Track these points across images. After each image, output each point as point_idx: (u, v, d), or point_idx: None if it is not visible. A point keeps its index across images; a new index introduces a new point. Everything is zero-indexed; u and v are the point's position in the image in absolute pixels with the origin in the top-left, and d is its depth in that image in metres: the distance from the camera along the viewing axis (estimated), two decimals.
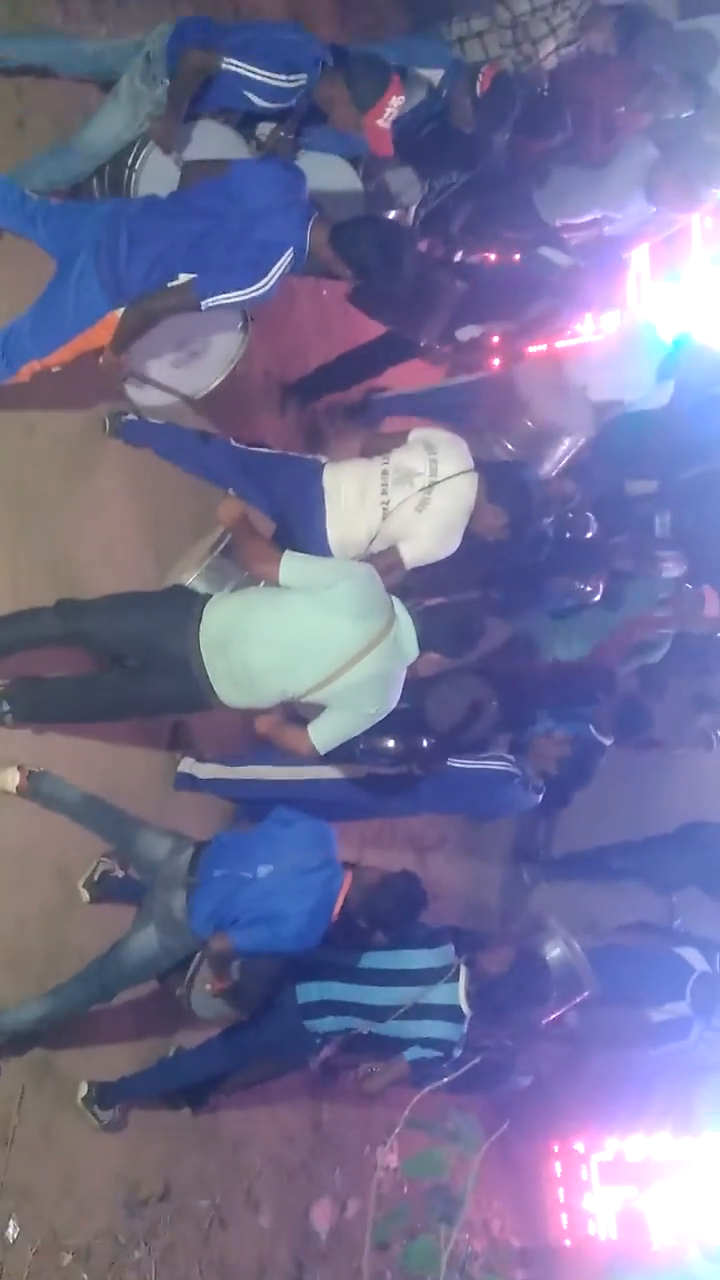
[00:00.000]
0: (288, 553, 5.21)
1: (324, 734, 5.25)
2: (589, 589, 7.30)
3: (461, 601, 6.21)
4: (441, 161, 6.64)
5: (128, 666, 5.35)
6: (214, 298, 5.13)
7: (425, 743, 6.33)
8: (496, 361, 8.27)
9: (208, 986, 5.26)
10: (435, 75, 6.43)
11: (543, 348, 8.13)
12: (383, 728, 5.99)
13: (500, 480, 6.06)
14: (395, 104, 5.65)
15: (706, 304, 8.99)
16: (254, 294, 5.15)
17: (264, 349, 6.59)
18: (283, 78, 5.48)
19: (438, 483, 5.90)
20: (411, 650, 5.26)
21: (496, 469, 6.18)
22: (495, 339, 7.92)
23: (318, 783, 6.30)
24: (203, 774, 6.38)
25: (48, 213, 5.13)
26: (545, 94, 6.98)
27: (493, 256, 7.72)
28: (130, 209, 5.24)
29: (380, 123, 5.65)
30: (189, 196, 5.30)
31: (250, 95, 5.55)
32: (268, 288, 5.15)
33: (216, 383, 5.97)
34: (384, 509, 5.88)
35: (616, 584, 7.88)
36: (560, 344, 8.04)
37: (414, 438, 6.07)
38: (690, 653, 8.57)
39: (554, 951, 6.67)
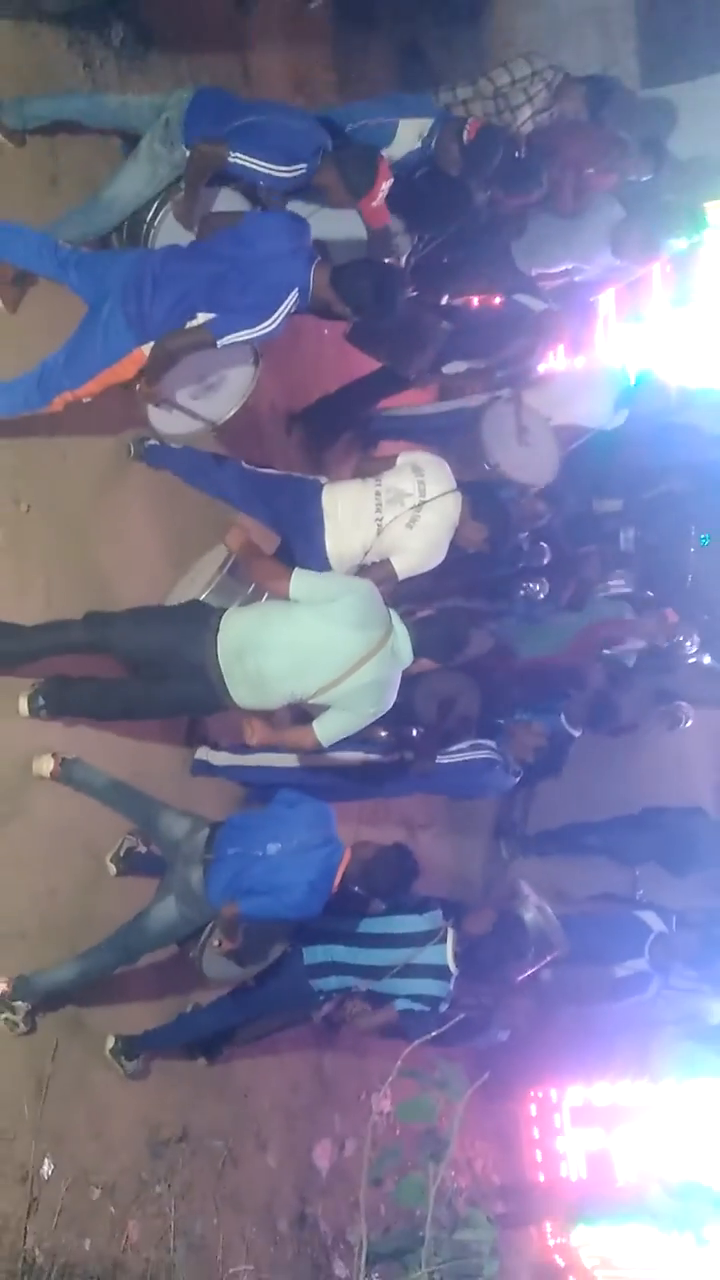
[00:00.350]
0: (296, 570, 5.24)
1: (328, 730, 5.27)
2: (536, 588, 7.27)
3: (449, 612, 6.20)
4: (429, 216, 6.64)
5: (149, 673, 5.35)
6: (228, 336, 5.13)
7: (414, 732, 6.34)
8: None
9: (216, 943, 5.26)
10: (424, 124, 6.40)
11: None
12: (377, 720, 6.06)
13: (481, 499, 6.08)
14: (386, 186, 5.70)
15: (665, 343, 9.01)
16: (263, 331, 5.16)
17: (271, 382, 6.59)
18: (284, 169, 5.48)
19: (426, 502, 5.92)
20: (407, 657, 5.29)
21: (477, 489, 6.19)
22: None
23: (319, 769, 6.30)
24: (217, 761, 6.38)
25: (79, 261, 5.14)
26: (523, 155, 6.99)
27: (475, 300, 7.71)
28: (153, 258, 5.25)
29: (374, 204, 5.73)
30: (206, 244, 5.32)
31: (259, 181, 5.59)
32: (275, 325, 5.16)
33: (232, 413, 5.98)
34: (378, 525, 5.90)
35: (582, 590, 7.91)
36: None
37: (402, 461, 6.08)
38: (653, 653, 8.57)
39: (527, 915, 6.67)
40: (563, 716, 7.37)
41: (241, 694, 5.16)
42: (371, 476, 6.06)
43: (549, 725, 7.21)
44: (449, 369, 7.52)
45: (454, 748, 6.70)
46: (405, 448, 6.56)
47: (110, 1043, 5.64)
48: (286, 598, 5.20)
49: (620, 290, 8.50)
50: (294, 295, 5.14)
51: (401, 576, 5.98)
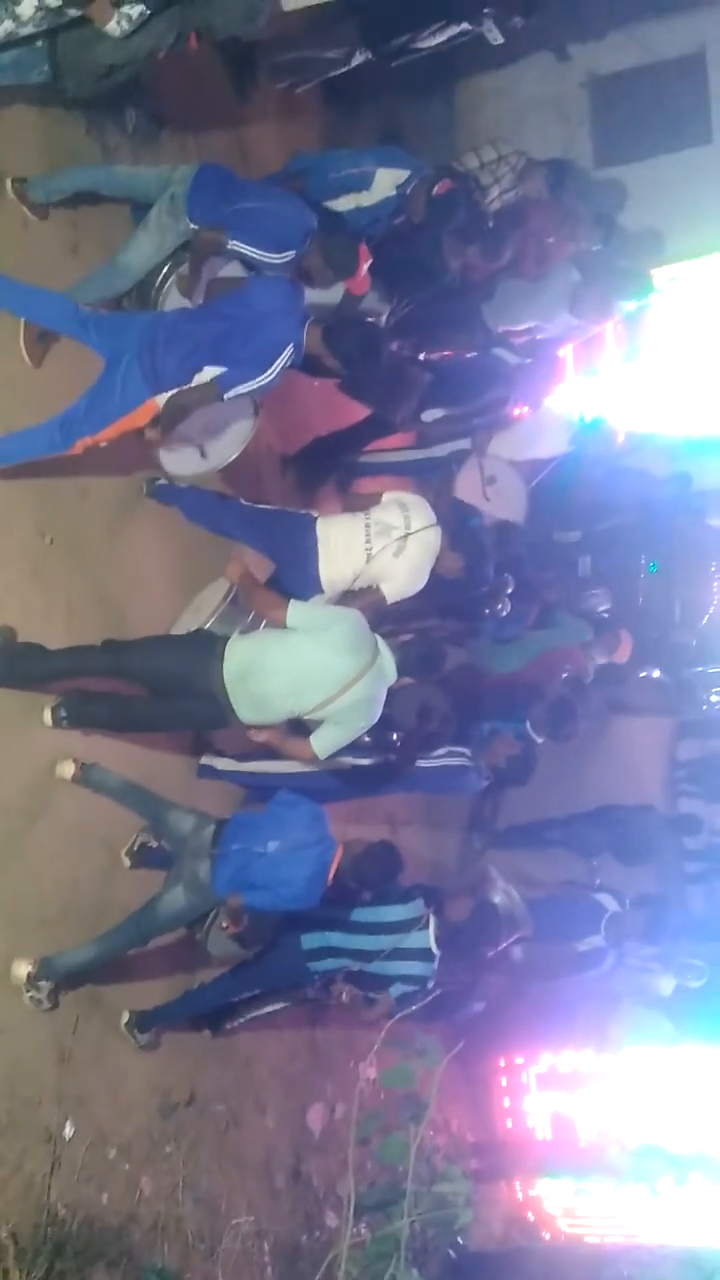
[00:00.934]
0: (292, 602, 5.26)
1: (323, 744, 5.29)
2: (500, 607, 7.30)
3: (426, 636, 6.23)
4: (405, 282, 6.68)
5: (160, 692, 5.34)
6: (232, 390, 5.16)
7: (394, 737, 6.34)
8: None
9: (223, 925, 5.24)
10: (401, 175, 6.42)
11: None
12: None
13: (458, 532, 6.10)
14: (366, 267, 5.79)
15: (617, 394, 9.07)
16: (262, 383, 5.18)
17: (268, 428, 6.61)
18: (275, 256, 5.49)
19: (411, 534, 5.92)
20: (391, 676, 5.33)
21: (454, 523, 6.21)
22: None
23: (311, 774, 6.29)
24: (220, 766, 6.37)
25: (98, 321, 5.15)
26: (492, 228, 7.05)
27: (450, 354, 7.74)
28: (165, 319, 5.27)
29: (356, 281, 5.82)
30: (212, 307, 5.34)
31: (251, 263, 5.60)
32: (272, 377, 5.19)
33: (234, 457, 5.98)
34: (368, 554, 5.90)
35: (546, 612, 7.94)
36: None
37: (388, 499, 6.09)
38: (606, 667, 8.59)
39: (496, 898, 6.67)
40: (528, 725, 7.38)
41: (246, 713, 5.18)
42: (361, 511, 6.07)
43: (517, 734, 7.23)
44: (427, 416, 7.56)
45: (432, 754, 6.72)
46: (383, 484, 6.59)
47: (125, 1017, 5.61)
48: (284, 626, 5.21)
49: (577, 346, 8.55)
50: (289, 350, 5.17)
51: (389, 601, 6.00)
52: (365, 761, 6.51)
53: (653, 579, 10.00)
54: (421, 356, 7.38)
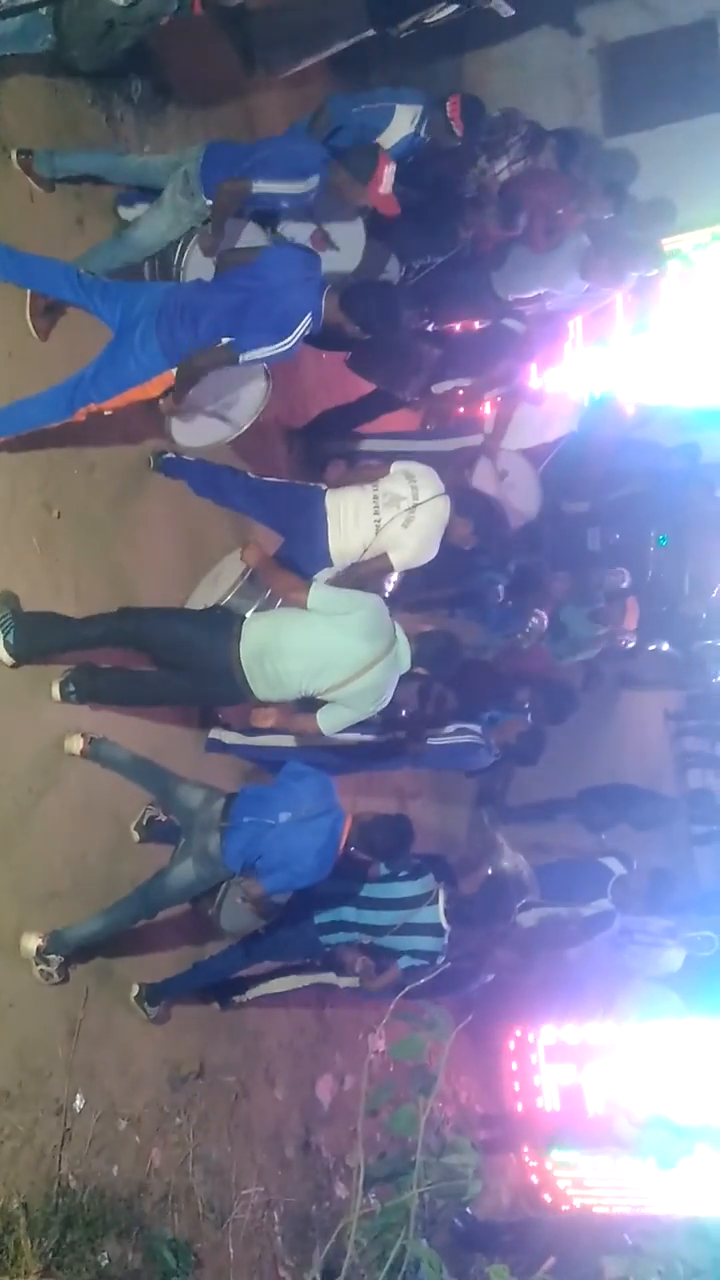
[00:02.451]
0: (314, 584, 5.28)
1: (329, 722, 5.32)
2: (536, 621, 7.49)
3: (445, 632, 6.19)
4: (419, 240, 6.63)
5: (172, 667, 5.34)
6: (248, 354, 5.12)
7: (403, 714, 6.35)
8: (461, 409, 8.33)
9: (239, 900, 5.25)
10: (416, 110, 6.35)
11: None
12: None
13: (464, 498, 6.12)
14: (389, 171, 5.65)
15: (627, 366, 9.02)
16: (280, 350, 5.14)
17: (277, 402, 6.57)
18: (300, 184, 5.47)
19: (420, 504, 5.92)
20: (406, 664, 5.34)
21: (460, 490, 6.21)
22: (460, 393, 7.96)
23: (320, 749, 6.30)
24: (228, 740, 6.37)
25: (104, 289, 5.11)
26: (504, 196, 7.00)
27: (458, 326, 7.70)
28: (183, 290, 5.24)
29: (382, 190, 5.66)
30: (228, 278, 5.28)
31: (281, 203, 5.61)
32: (290, 345, 5.14)
33: (245, 427, 5.96)
34: (377, 526, 5.90)
35: (555, 612, 7.96)
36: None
37: (396, 469, 6.06)
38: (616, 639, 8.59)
39: (505, 863, 6.69)
40: (528, 716, 7.40)
41: (261, 690, 5.20)
42: (369, 483, 6.05)
43: (523, 718, 7.28)
44: (437, 388, 7.53)
45: (442, 731, 6.73)
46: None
47: (135, 990, 5.62)
48: (304, 608, 5.21)
49: (587, 318, 8.50)
50: (308, 319, 5.12)
51: (398, 569, 6.02)
52: (373, 738, 6.53)
53: (662, 552, 9.98)
54: (431, 328, 7.34)
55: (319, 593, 5.23)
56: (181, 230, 5.64)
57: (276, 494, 6.11)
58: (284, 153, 5.58)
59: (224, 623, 5.24)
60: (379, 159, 5.64)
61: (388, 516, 5.89)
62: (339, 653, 5.14)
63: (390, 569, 5.98)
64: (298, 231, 6.18)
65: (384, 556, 5.93)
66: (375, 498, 5.95)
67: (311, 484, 6.20)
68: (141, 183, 5.80)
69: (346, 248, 6.33)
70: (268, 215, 5.94)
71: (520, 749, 7.13)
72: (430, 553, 6.04)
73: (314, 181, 5.50)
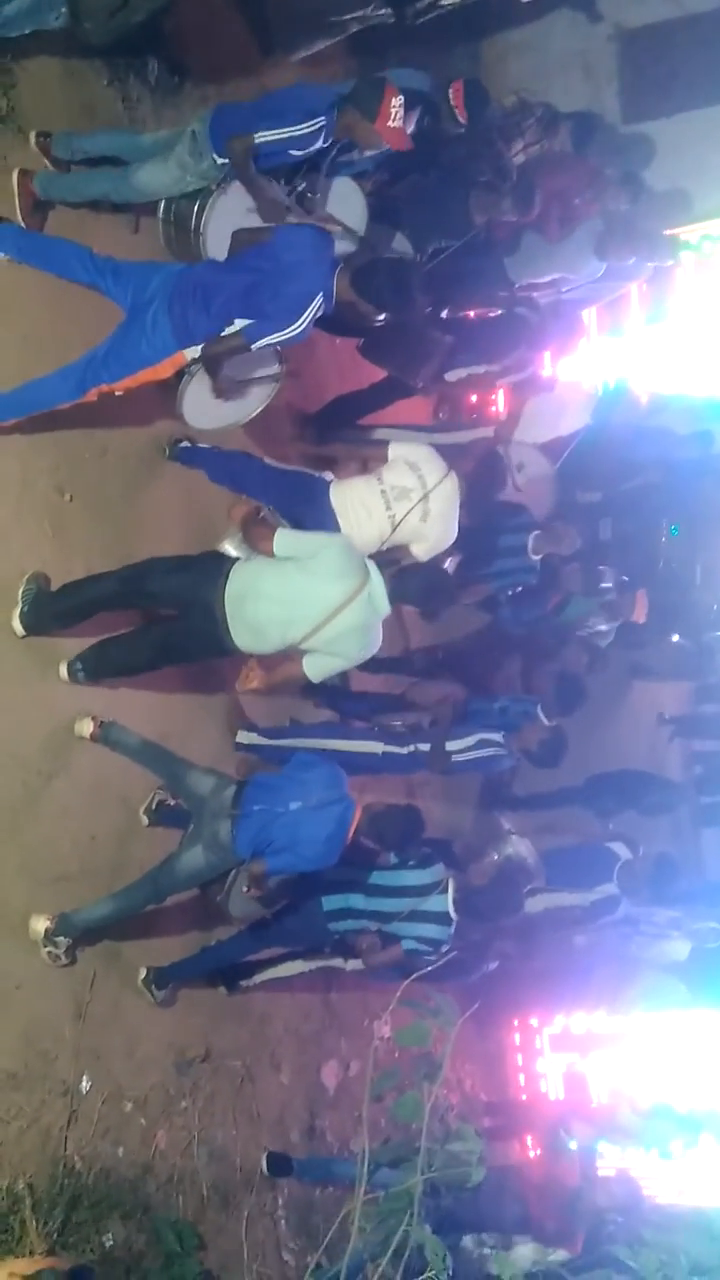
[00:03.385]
0: (279, 530, 5.24)
1: (314, 667, 5.27)
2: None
3: (429, 565, 6.16)
4: (431, 221, 6.59)
5: (164, 618, 5.33)
6: (260, 340, 5.10)
7: (427, 723, 6.39)
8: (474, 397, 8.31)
9: (244, 889, 5.25)
10: (421, 79, 6.32)
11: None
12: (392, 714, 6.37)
13: (472, 472, 6.18)
14: (397, 103, 5.48)
15: (642, 355, 8.99)
16: (292, 334, 5.11)
17: (290, 386, 6.56)
18: (307, 125, 5.35)
19: (430, 492, 5.91)
20: (383, 605, 5.21)
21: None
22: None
23: (344, 753, 6.32)
24: (254, 741, 6.39)
25: (116, 270, 5.10)
26: (519, 180, 6.94)
27: (472, 314, 7.67)
28: (194, 271, 5.19)
29: (391, 124, 5.51)
30: (240, 259, 5.25)
31: (291, 151, 5.46)
32: (303, 328, 5.11)
33: (258, 411, 5.93)
34: (392, 521, 5.90)
35: (565, 599, 7.97)
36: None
37: (394, 456, 6.05)
38: (627, 629, 8.57)
39: (510, 849, 6.69)
40: (539, 709, 7.40)
41: (242, 638, 5.14)
42: (373, 475, 6.03)
43: (528, 714, 7.28)
44: (451, 376, 7.50)
45: (463, 743, 6.73)
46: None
47: (142, 973, 5.64)
48: (273, 556, 5.18)
49: (602, 308, 8.46)
50: (319, 300, 5.08)
51: (424, 560, 6.00)
52: (399, 750, 6.55)
53: (674, 542, 9.96)
54: (444, 314, 7.31)
55: (283, 537, 5.21)
56: (183, 188, 5.62)
57: (286, 482, 6.10)
58: (290, 97, 5.52)
59: (215, 563, 5.24)
60: (385, 90, 5.47)
61: (401, 510, 5.88)
62: (307, 595, 5.09)
63: (416, 561, 5.97)
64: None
65: (406, 551, 5.94)
66: (384, 492, 5.94)
67: (318, 475, 6.17)
68: (154, 156, 5.69)
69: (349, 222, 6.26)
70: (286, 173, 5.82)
71: (541, 755, 7.09)
72: (452, 535, 6.05)
73: (319, 122, 5.37)
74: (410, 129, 5.80)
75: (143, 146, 5.74)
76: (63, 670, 5.33)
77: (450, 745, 6.68)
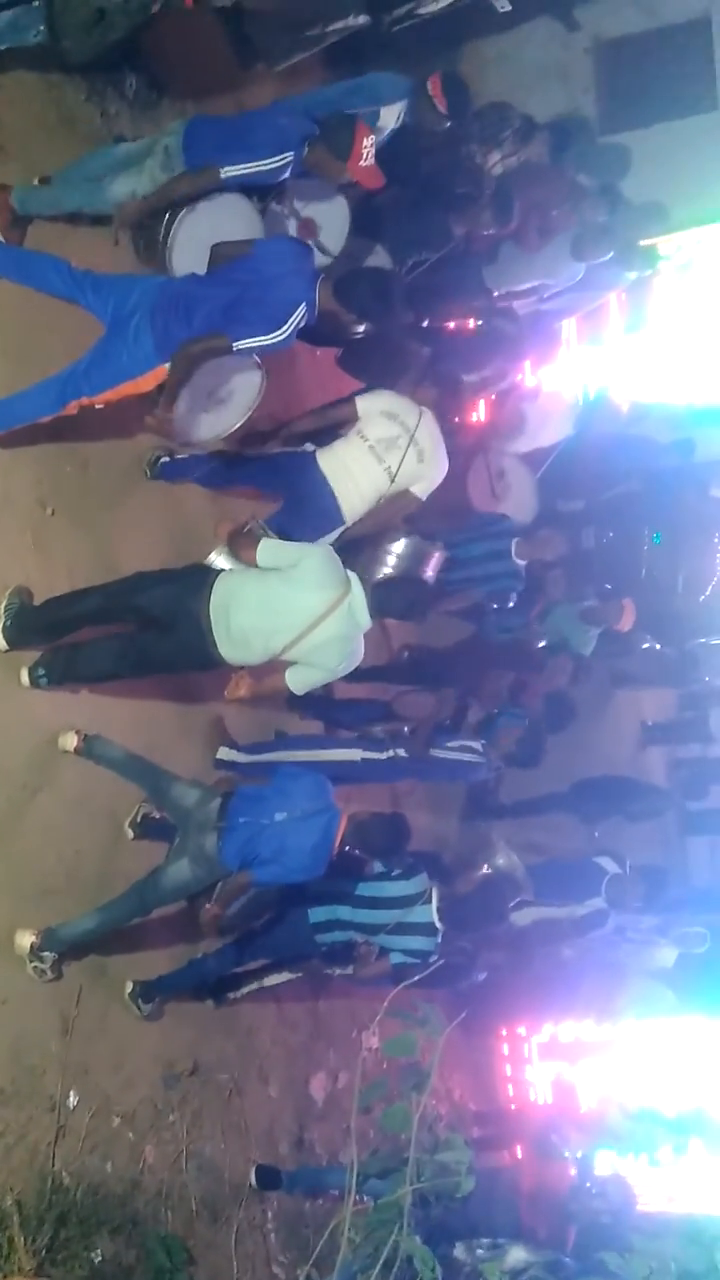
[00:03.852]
0: (262, 541, 5.24)
1: (297, 679, 5.29)
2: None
3: (410, 578, 6.27)
4: (410, 236, 6.62)
5: (147, 629, 5.27)
6: (243, 341, 5.07)
7: (407, 730, 6.40)
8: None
9: (208, 906, 5.25)
10: (401, 106, 6.19)
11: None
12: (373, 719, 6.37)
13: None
14: (368, 143, 5.44)
15: (621, 364, 9.04)
16: (274, 340, 5.11)
17: (271, 398, 6.55)
18: (274, 160, 5.32)
19: (415, 433, 6.01)
20: (364, 617, 5.20)
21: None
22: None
23: (325, 763, 6.31)
24: (235, 758, 6.38)
25: (96, 283, 5.09)
26: (497, 191, 6.97)
27: (451, 325, 7.69)
28: (176, 284, 5.21)
29: (363, 164, 5.47)
30: (222, 272, 5.24)
31: (257, 183, 5.47)
32: (285, 336, 5.11)
33: (238, 424, 5.93)
34: (389, 474, 6.01)
35: (548, 608, 8.00)
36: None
37: (364, 410, 6.11)
38: (610, 638, 8.60)
39: (499, 860, 6.72)
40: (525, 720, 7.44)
41: (227, 649, 5.13)
42: (353, 434, 6.07)
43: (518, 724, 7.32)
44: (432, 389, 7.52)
45: (447, 744, 6.79)
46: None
47: (129, 987, 5.62)
48: (255, 565, 5.19)
49: (581, 318, 8.51)
50: (302, 309, 5.10)
51: (424, 497, 6.19)
52: (377, 755, 6.57)
53: (656, 550, 10.00)
54: (424, 325, 7.33)
55: (265, 547, 5.21)
56: None
57: (273, 463, 6.16)
58: (263, 125, 5.47)
59: (200, 575, 5.23)
60: (356, 130, 5.43)
61: (395, 460, 5.97)
62: (287, 606, 5.09)
63: (417, 501, 6.13)
64: (284, 210, 6.11)
65: (408, 493, 6.08)
66: (371, 448, 6.01)
67: (298, 450, 6.19)
68: (128, 166, 5.65)
69: (330, 230, 6.25)
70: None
71: (520, 755, 7.13)
72: (445, 464, 6.23)
73: (287, 158, 5.35)
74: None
75: (116, 159, 5.73)
76: (24, 677, 5.26)
77: (434, 752, 6.72)
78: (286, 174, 5.43)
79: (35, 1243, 4.74)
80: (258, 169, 5.33)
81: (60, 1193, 4.98)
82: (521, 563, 7.39)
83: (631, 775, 10.05)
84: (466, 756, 6.83)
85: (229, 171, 5.32)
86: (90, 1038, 5.34)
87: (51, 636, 5.27)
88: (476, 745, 6.86)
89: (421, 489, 6.14)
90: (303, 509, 5.99)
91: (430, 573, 6.72)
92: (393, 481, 6.01)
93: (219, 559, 5.52)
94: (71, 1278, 4.86)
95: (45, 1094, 5.04)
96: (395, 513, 6.21)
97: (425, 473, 6.10)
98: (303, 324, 5.16)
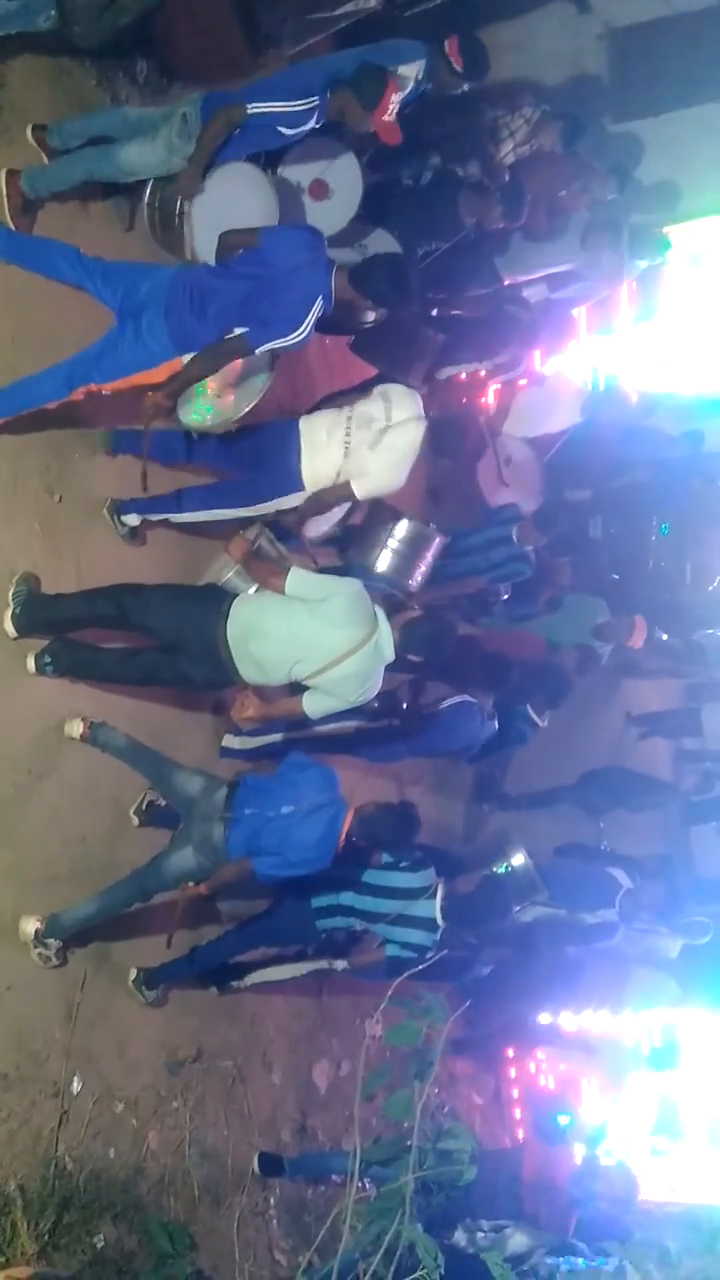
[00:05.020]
0: (292, 570, 5.19)
1: (313, 706, 5.25)
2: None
3: (435, 615, 6.07)
4: (425, 227, 6.59)
5: (162, 646, 5.27)
6: (263, 345, 5.03)
7: (404, 705, 6.39)
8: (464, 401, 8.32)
9: (192, 884, 5.24)
10: (419, 66, 6.13)
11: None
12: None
13: (442, 429, 6.13)
14: (396, 99, 5.46)
15: (631, 354, 9.02)
16: (294, 339, 5.03)
17: (280, 385, 6.55)
18: (299, 103, 5.29)
19: (391, 426, 5.75)
20: (389, 654, 5.20)
21: (440, 420, 6.24)
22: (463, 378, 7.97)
23: (324, 737, 6.33)
24: (239, 745, 6.39)
25: (105, 270, 5.07)
26: (509, 182, 6.96)
27: (462, 312, 7.68)
28: (188, 275, 5.13)
29: (386, 118, 5.47)
30: (234, 265, 5.16)
31: (280, 128, 5.39)
32: (305, 333, 5.03)
33: (245, 410, 5.91)
34: (345, 447, 5.70)
35: (557, 596, 7.98)
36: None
37: (377, 390, 5.95)
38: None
39: (517, 860, 6.72)
40: (528, 708, 7.43)
41: (249, 672, 5.14)
42: (347, 405, 5.92)
43: (520, 716, 7.32)
44: (442, 374, 7.52)
45: (441, 704, 6.83)
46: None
47: (132, 974, 5.65)
48: (282, 593, 5.15)
49: (592, 306, 8.49)
50: (319, 302, 5.02)
51: (360, 497, 5.84)
52: (368, 724, 6.56)
53: (664, 541, 9.99)
54: (436, 313, 7.32)
55: (296, 578, 5.15)
56: (169, 170, 5.53)
57: (248, 434, 5.85)
58: (285, 77, 5.47)
59: (215, 601, 5.19)
60: (388, 84, 5.43)
61: (357, 439, 5.70)
62: (314, 640, 5.06)
63: (351, 496, 5.80)
64: (299, 174, 6.06)
65: (345, 485, 5.74)
66: (349, 419, 5.76)
67: (287, 419, 6.07)
68: (141, 133, 5.59)
69: (341, 191, 6.22)
70: (266, 156, 5.79)
71: (547, 688, 7.10)
72: (398, 481, 5.83)
73: (312, 102, 5.31)
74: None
75: (129, 121, 5.65)
76: (30, 663, 5.27)
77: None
78: (310, 121, 5.37)
79: (38, 1228, 4.76)
80: (285, 109, 5.29)
81: (63, 1178, 5.01)
82: (528, 547, 7.36)
83: (635, 768, 10.04)
84: (455, 699, 6.83)
85: (256, 107, 5.26)
86: (94, 1024, 5.36)
87: (60, 630, 5.28)
88: (470, 697, 6.84)
89: (360, 487, 5.74)
90: (265, 467, 5.81)
91: (430, 558, 6.70)
92: (345, 459, 5.70)
93: (230, 575, 5.50)
94: (74, 1263, 4.89)
95: (49, 1080, 5.07)
96: (332, 499, 5.85)
97: (370, 467, 5.71)
98: (321, 315, 5.07)
